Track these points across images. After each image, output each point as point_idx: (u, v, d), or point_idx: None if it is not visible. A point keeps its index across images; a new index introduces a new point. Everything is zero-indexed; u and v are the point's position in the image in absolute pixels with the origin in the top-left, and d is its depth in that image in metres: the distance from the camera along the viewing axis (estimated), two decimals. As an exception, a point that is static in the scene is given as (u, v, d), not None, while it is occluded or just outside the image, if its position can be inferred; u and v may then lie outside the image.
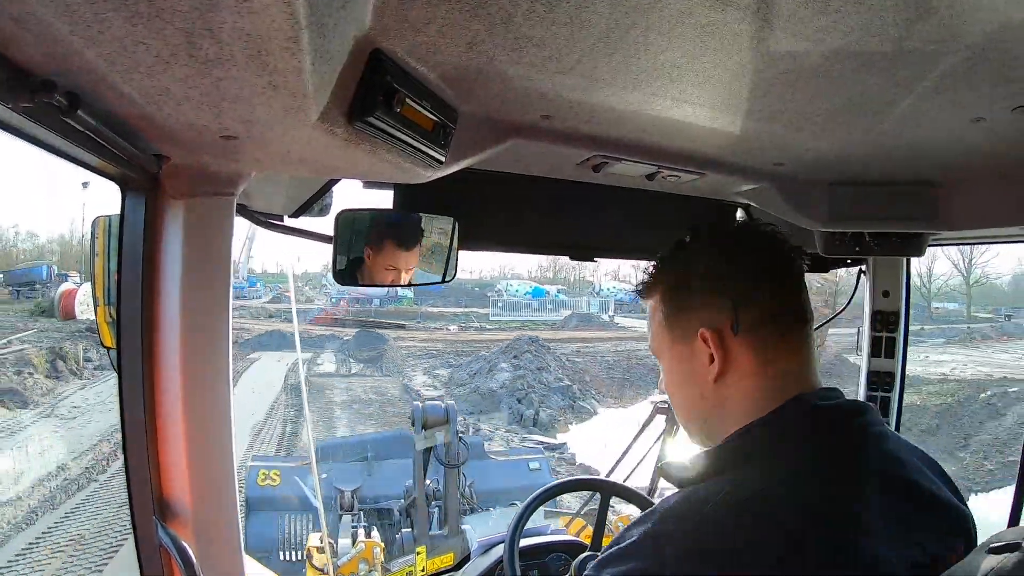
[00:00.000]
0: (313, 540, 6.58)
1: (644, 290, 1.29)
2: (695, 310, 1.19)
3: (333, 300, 45.95)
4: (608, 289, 52.58)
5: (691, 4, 1.01)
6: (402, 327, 39.58)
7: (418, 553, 5.92)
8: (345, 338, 34.92)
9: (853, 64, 1.23)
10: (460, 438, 7.61)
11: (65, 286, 29.75)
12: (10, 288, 35.32)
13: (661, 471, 1.22)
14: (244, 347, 30.62)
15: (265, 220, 2.00)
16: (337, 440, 13.77)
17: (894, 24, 1.08)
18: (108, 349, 1.58)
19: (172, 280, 1.49)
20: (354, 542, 6.66)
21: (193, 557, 1.48)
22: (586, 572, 1.10)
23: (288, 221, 2.07)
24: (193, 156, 1.38)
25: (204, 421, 1.55)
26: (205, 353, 1.54)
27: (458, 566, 3.03)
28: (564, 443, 20.99)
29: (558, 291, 51.05)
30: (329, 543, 6.22)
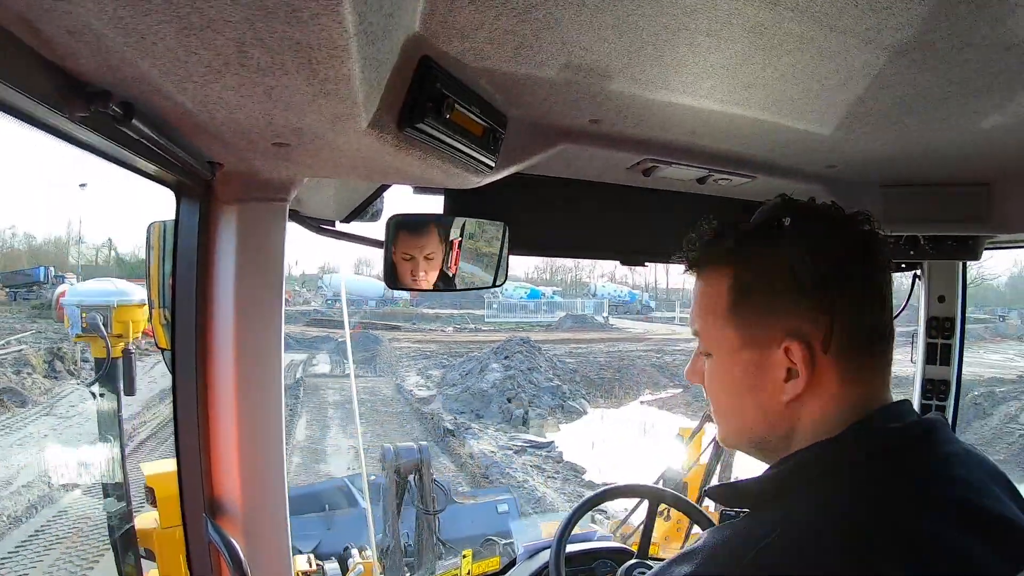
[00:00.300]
0: (300, 563, 6.51)
1: (701, 263, 1.13)
2: (779, 315, 1.01)
3: (328, 302, 46.77)
4: (604, 291, 53.70)
5: (740, 5, 1.00)
6: (396, 328, 40.54)
7: (464, 556, 5.89)
8: (340, 340, 34.61)
9: (904, 63, 1.19)
10: (435, 482, 7.31)
11: (62, 287, 29.69)
12: (7, 289, 35.93)
13: (708, 494, 1.12)
14: None
15: (317, 225, 2.02)
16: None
17: (946, 21, 1.04)
18: (163, 351, 1.61)
19: (225, 284, 1.52)
20: (350, 566, 6.54)
21: (242, 554, 1.51)
22: None
23: (340, 226, 2.09)
24: (246, 163, 1.40)
25: (256, 422, 1.58)
26: (257, 355, 1.57)
27: (504, 570, 3.02)
28: (552, 442, 21.16)
29: (553, 293, 51.73)
30: (319, 565, 6.14)
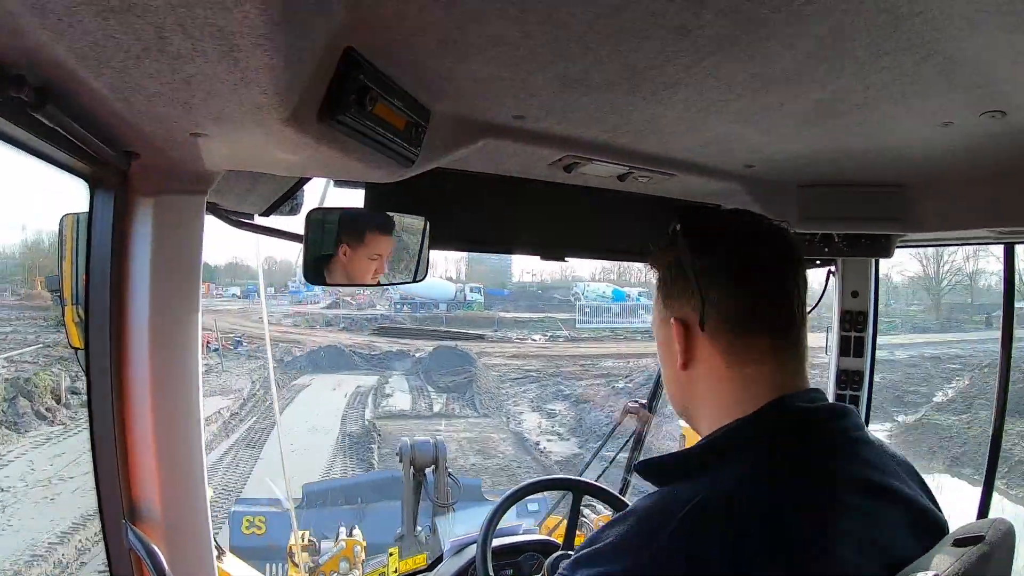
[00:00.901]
0: (293, 539, 6.50)
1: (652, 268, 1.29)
2: (674, 299, 1.19)
3: (396, 305, 42.66)
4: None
5: (663, 5, 1.02)
6: (480, 338, 34.68)
7: (391, 554, 5.86)
8: (417, 355, 30.20)
9: (824, 68, 1.25)
10: (450, 474, 7.32)
11: None
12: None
13: (636, 469, 1.21)
14: (290, 368, 26.85)
15: (235, 219, 1.98)
16: (323, 484, 12.72)
17: (866, 30, 1.10)
18: (76, 350, 1.56)
19: (141, 279, 1.48)
20: (336, 540, 6.60)
21: (163, 560, 1.47)
22: (559, 571, 1.09)
23: (259, 220, 2.06)
24: (163, 153, 1.37)
25: (174, 422, 1.54)
26: (175, 353, 1.53)
27: (431, 567, 3.02)
28: None
29: (640, 293, 45.23)
30: (311, 541, 6.13)
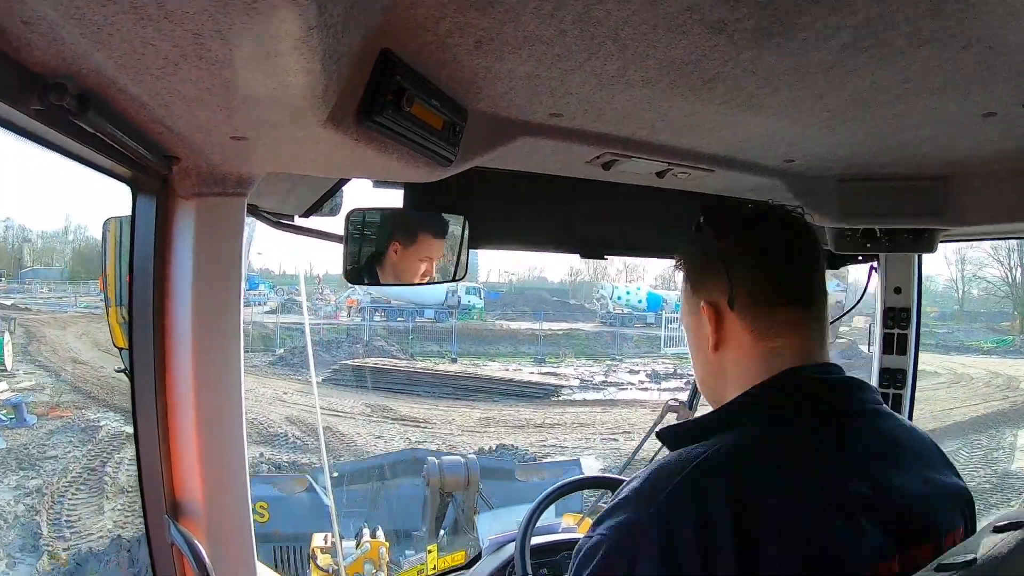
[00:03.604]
0: (317, 540, 6.43)
1: (677, 268, 1.37)
2: (703, 286, 1.27)
3: (365, 313, 32.65)
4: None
5: (698, 0, 1.01)
6: (546, 395, 21.85)
7: (429, 551, 5.85)
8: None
9: (863, 59, 1.22)
10: (480, 494, 6.91)
11: None
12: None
13: (658, 435, 1.29)
14: None
15: (276, 220, 2.01)
16: (345, 466, 11.92)
17: (905, 19, 1.07)
18: (120, 349, 1.59)
19: (183, 280, 1.50)
20: (358, 543, 6.51)
21: (205, 555, 1.49)
22: (587, 532, 1.15)
23: (299, 221, 2.08)
24: (203, 157, 1.38)
25: (216, 420, 1.56)
26: (217, 352, 1.55)
27: (469, 564, 3.03)
28: None
29: (679, 300, 36.59)
30: (333, 543, 6.08)
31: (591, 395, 22.58)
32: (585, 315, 36.07)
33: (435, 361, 26.28)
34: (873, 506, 1.06)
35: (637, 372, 25.22)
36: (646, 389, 22.82)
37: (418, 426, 19.05)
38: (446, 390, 21.87)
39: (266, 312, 31.68)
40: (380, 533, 6.71)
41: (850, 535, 1.04)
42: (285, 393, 21.00)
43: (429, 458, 7.55)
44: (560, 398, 21.94)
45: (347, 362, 23.87)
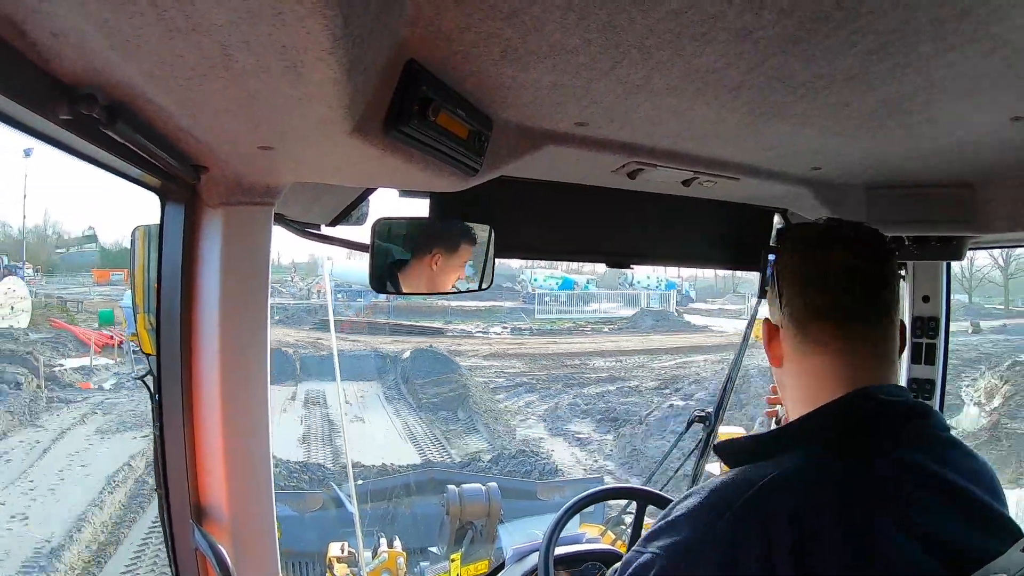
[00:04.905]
0: (334, 550, 6.43)
1: None
2: (769, 303, 1.32)
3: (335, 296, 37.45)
4: (640, 281, 44.16)
5: (724, 8, 1.00)
6: (439, 332, 31.76)
7: (452, 560, 5.83)
8: (391, 353, 24.46)
9: (888, 65, 1.20)
10: (501, 521, 6.77)
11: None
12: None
13: (716, 449, 1.29)
14: None
15: (302, 229, 2.02)
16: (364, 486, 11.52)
17: (929, 24, 1.05)
18: (148, 356, 1.60)
19: (211, 288, 1.52)
20: (375, 553, 6.47)
21: (229, 561, 1.50)
22: (634, 547, 1.13)
23: (325, 230, 2.09)
24: (231, 166, 1.40)
25: (242, 426, 1.57)
26: (243, 359, 1.56)
27: (492, 573, 3.03)
28: None
29: (588, 281, 44.73)
30: (351, 552, 6.07)
31: (463, 334, 32.95)
32: (514, 295, 41.81)
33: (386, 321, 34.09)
34: (933, 548, 1.03)
35: (507, 327, 35.22)
36: (499, 335, 33.70)
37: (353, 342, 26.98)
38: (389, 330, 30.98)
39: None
40: (397, 543, 6.66)
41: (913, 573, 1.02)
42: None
43: (449, 486, 7.41)
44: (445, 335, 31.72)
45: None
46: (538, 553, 2.31)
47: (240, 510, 1.58)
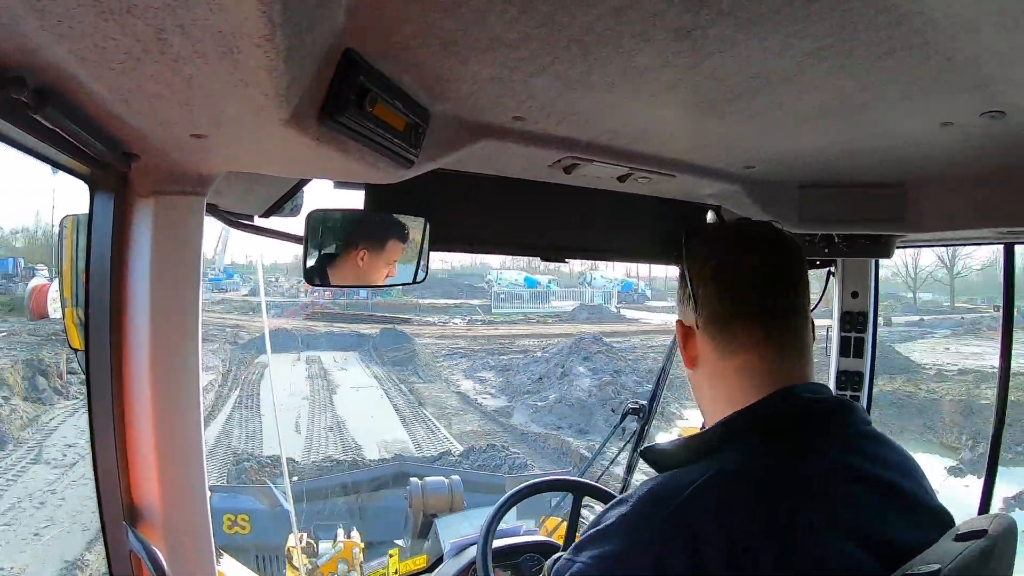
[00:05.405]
0: (291, 541, 6.39)
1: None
2: (682, 304, 1.30)
3: (317, 292, 41.95)
4: (599, 280, 50.31)
5: (664, 7, 1.01)
6: (407, 321, 36.50)
7: (391, 555, 5.79)
8: (359, 335, 32.19)
9: (824, 68, 1.24)
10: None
11: (35, 281, 26.56)
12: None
13: (643, 455, 1.27)
14: (247, 350, 27.88)
15: (235, 220, 1.99)
16: (320, 481, 11.88)
17: (865, 29, 1.09)
18: (76, 351, 1.56)
19: (141, 280, 1.48)
20: (334, 543, 6.49)
21: (164, 562, 1.46)
22: (564, 556, 1.13)
23: (258, 221, 2.06)
24: (163, 154, 1.37)
25: (174, 424, 1.54)
26: (175, 355, 1.53)
27: (431, 568, 3.02)
28: None
29: (549, 281, 48.39)
30: (309, 542, 6.02)
31: (427, 323, 37.45)
32: (483, 294, 44.92)
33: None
34: (865, 543, 1.04)
35: (466, 319, 39.00)
36: (456, 324, 37.76)
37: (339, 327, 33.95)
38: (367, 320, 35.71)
39: (244, 295, 42.95)
40: (355, 534, 6.64)
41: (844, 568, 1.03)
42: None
43: (412, 479, 7.46)
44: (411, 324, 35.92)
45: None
46: (476, 546, 2.32)
47: (174, 510, 1.55)
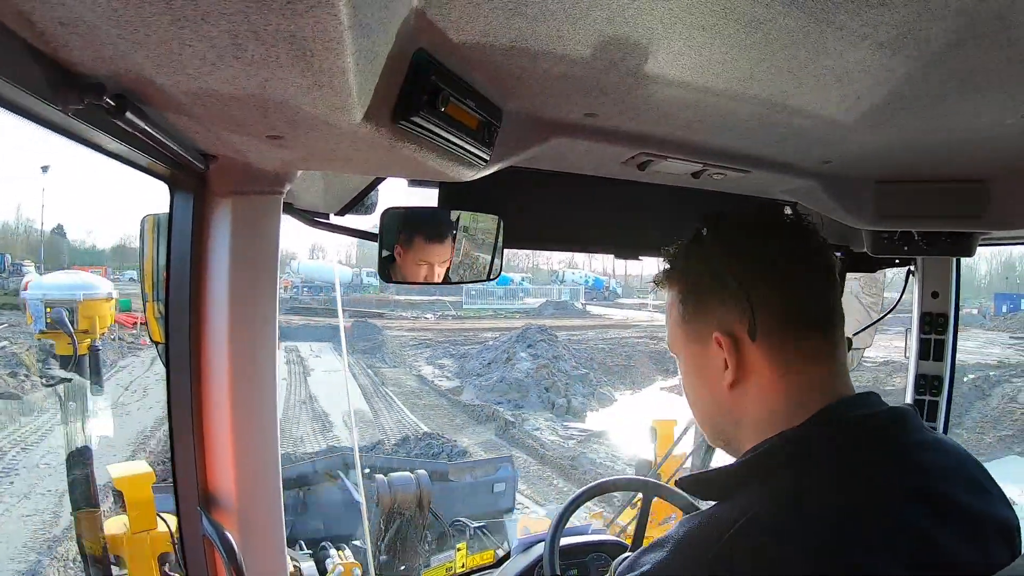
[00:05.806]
0: (289, 566, 6.25)
1: (662, 282, 1.22)
2: (711, 311, 1.12)
3: (296, 288, 47.42)
4: (571, 277, 53.93)
5: (735, 0, 0.99)
6: (380, 316, 39.88)
7: (458, 549, 5.82)
8: (333, 327, 34.26)
9: (900, 59, 1.18)
10: (433, 514, 6.74)
11: (27, 278, 28.02)
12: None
13: (679, 484, 1.16)
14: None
15: (311, 218, 2.02)
16: None
17: (945, 17, 1.03)
18: (156, 344, 1.61)
19: (219, 277, 1.52)
20: (333, 565, 6.20)
21: (236, 548, 1.51)
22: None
23: (334, 219, 2.09)
24: (240, 155, 1.40)
25: (250, 414, 1.58)
26: (252, 348, 1.57)
27: (498, 563, 3.04)
28: (605, 431, 21.18)
29: (523, 278, 51.20)
30: (296, 567, 5.96)
31: (400, 318, 41.05)
32: (457, 291, 46.96)
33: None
34: (917, 567, 0.94)
35: (437, 314, 42.74)
36: (428, 319, 41.77)
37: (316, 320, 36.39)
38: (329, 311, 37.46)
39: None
40: (348, 552, 6.48)
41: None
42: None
43: (378, 476, 7.33)
44: (383, 318, 39.77)
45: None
46: (543, 543, 2.32)
47: (248, 498, 1.59)
